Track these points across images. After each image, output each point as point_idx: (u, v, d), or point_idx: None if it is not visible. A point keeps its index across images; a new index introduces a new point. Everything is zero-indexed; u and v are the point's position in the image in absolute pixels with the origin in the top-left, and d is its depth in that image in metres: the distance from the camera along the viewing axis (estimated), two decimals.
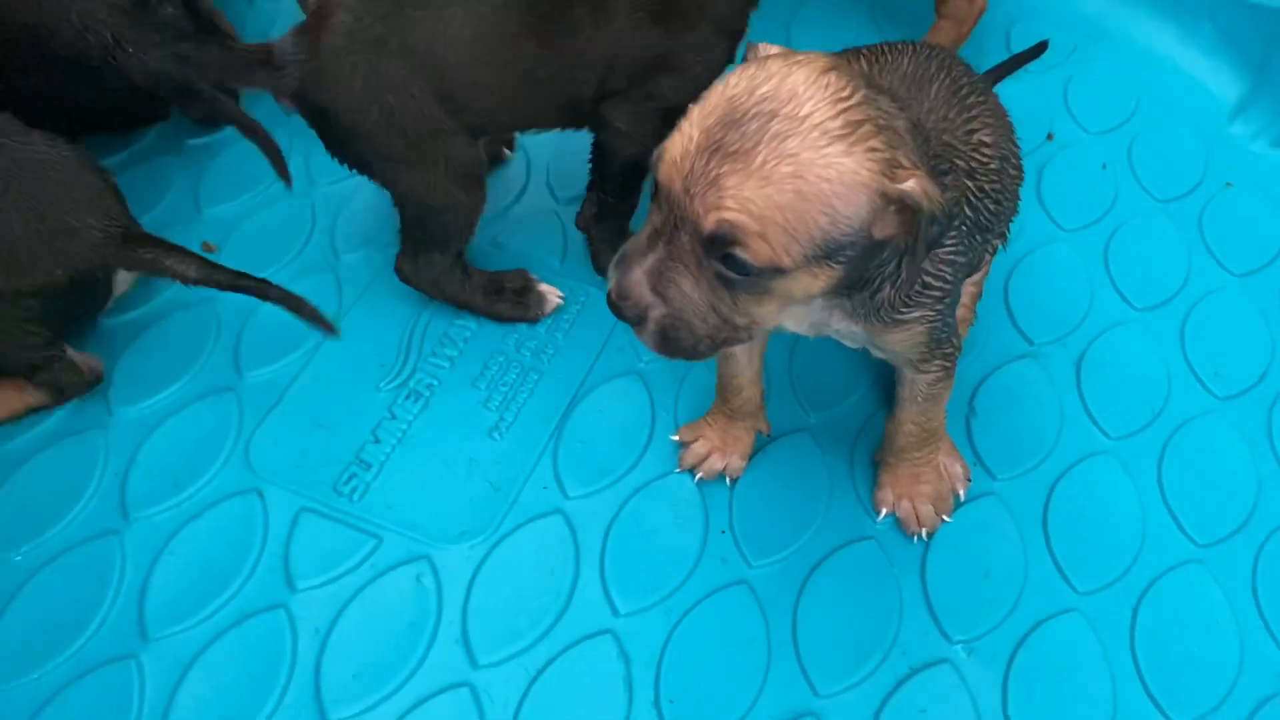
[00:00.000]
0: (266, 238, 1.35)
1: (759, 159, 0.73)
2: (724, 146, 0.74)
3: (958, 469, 1.16)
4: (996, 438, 1.20)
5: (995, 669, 1.06)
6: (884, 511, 1.14)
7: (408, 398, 1.22)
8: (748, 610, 1.08)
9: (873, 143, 0.75)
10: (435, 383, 1.23)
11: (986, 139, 0.98)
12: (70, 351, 1.20)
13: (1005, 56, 1.37)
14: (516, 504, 1.15)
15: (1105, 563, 1.13)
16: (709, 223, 0.75)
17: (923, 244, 0.78)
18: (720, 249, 0.76)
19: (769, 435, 1.19)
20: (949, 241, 0.91)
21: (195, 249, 1.33)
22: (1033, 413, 1.23)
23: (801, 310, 0.90)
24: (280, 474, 1.16)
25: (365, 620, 1.07)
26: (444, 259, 1.23)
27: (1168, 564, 1.13)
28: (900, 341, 0.95)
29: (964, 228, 0.94)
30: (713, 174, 0.74)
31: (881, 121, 0.76)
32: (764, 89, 0.75)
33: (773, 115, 0.74)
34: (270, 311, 1.28)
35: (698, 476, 1.16)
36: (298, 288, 1.29)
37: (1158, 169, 1.46)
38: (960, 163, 0.94)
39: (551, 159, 1.44)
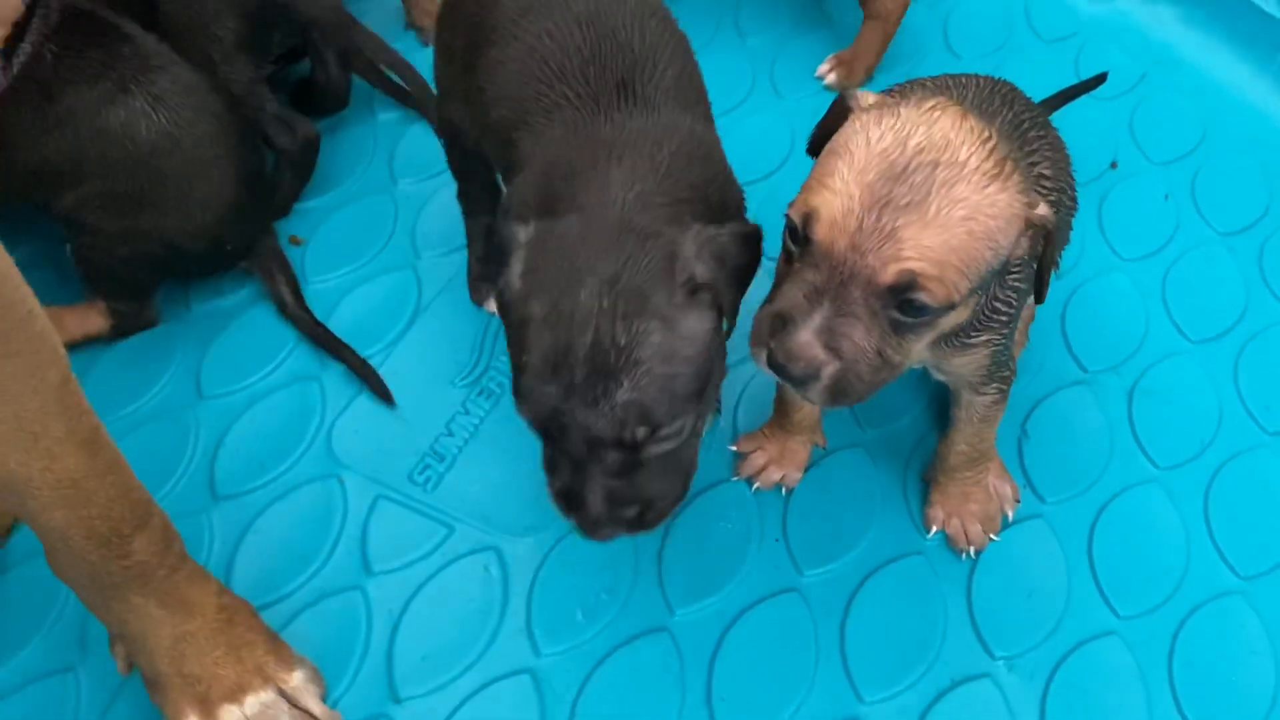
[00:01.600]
0: (350, 234, 1.41)
1: (933, 208, 0.77)
2: (893, 200, 0.77)
3: (1007, 490, 1.19)
4: (1047, 461, 1.23)
5: (1035, 686, 1.10)
6: (934, 528, 1.18)
7: (480, 394, 1.28)
8: (798, 616, 1.13)
9: (1016, 177, 0.80)
10: (506, 381, 1.29)
11: (1046, 172, 1.02)
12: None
13: (1072, 81, 1.39)
14: None
15: (1147, 589, 1.16)
16: (889, 276, 0.78)
17: (1054, 261, 0.85)
18: (898, 297, 0.80)
19: (825, 449, 1.23)
20: (1014, 269, 0.95)
21: (283, 242, 1.41)
22: (1083, 439, 1.25)
23: None
24: (359, 461, 1.22)
25: (436, 605, 1.13)
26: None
27: (1209, 594, 1.16)
28: (965, 364, 1.00)
29: (1025, 257, 0.98)
30: (887, 228, 0.77)
31: (1014, 157, 0.81)
32: (915, 140, 0.79)
33: (935, 165, 0.78)
34: (352, 307, 1.35)
35: (754, 486, 1.20)
36: (379, 284, 1.37)
37: (1220, 201, 1.47)
38: None
39: None
